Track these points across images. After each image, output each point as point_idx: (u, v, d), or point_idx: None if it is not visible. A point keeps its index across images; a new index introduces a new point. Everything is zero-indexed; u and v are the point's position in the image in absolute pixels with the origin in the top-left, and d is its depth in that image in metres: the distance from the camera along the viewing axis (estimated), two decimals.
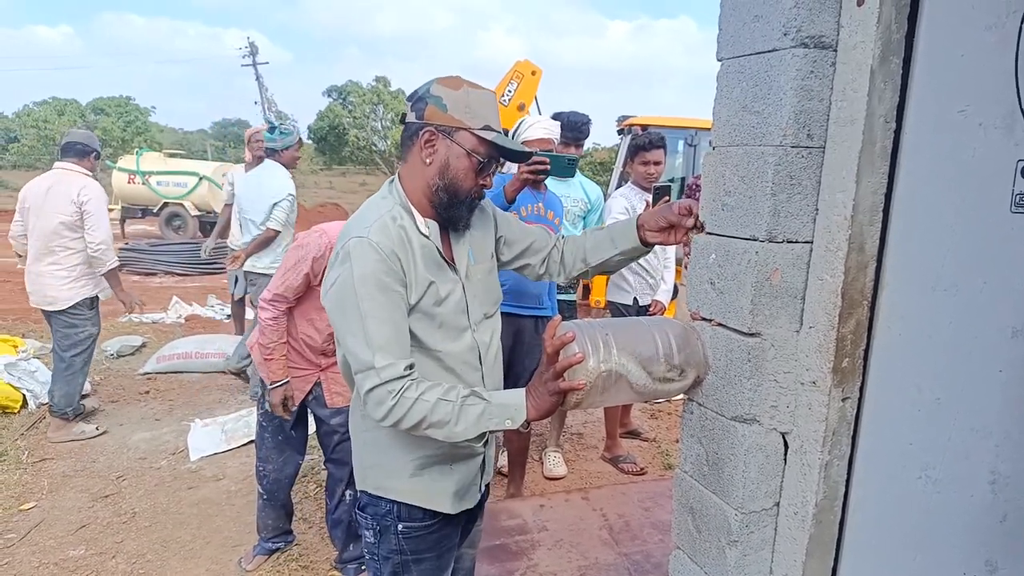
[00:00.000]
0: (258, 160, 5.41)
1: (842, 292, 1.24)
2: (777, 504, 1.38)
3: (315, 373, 2.66)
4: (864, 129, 1.20)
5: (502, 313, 1.77)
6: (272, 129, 4.50)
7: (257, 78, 33.38)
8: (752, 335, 1.31)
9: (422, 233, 1.48)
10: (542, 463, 3.86)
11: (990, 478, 1.40)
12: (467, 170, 1.48)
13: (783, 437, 1.36)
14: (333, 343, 2.60)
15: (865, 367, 1.30)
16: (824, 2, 1.22)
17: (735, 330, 1.34)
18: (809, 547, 1.32)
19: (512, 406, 1.37)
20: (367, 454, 1.58)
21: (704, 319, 1.44)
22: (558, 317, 1.40)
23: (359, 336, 1.36)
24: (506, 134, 4.49)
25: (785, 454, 1.36)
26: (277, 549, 2.89)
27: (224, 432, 4.00)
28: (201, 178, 15.39)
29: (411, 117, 1.49)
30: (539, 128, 3.07)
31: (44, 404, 4.49)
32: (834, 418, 1.28)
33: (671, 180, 7.97)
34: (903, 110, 1.23)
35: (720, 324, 1.39)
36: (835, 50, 1.24)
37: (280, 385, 2.55)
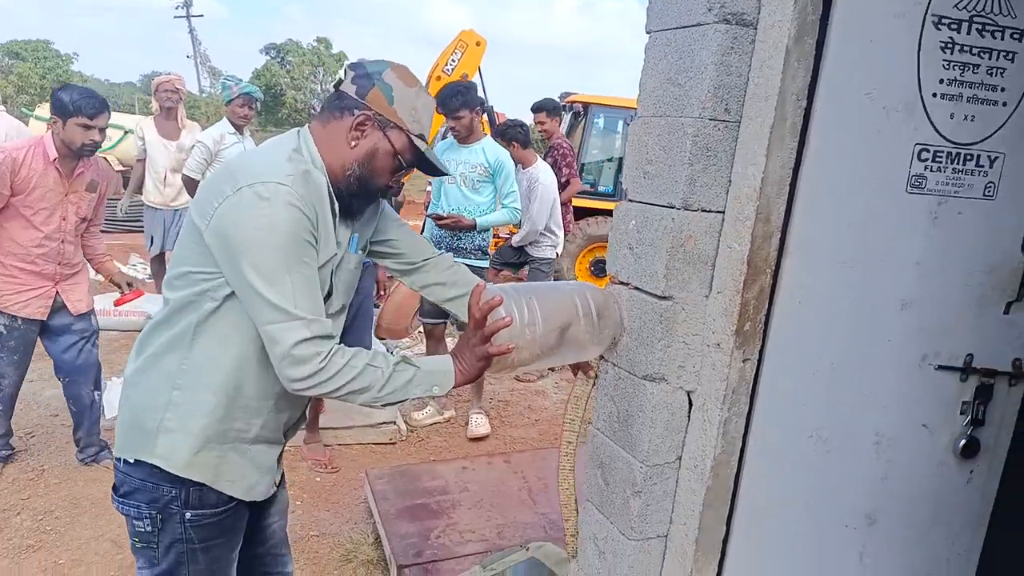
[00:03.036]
0: (166, 111, 5.19)
1: (748, 260, 1.32)
2: (679, 458, 1.46)
3: (52, 287, 2.93)
4: (777, 105, 1.27)
5: None
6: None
7: (191, 31, 31.95)
8: (665, 298, 1.38)
9: (332, 203, 1.39)
10: (466, 425, 3.92)
11: (874, 439, 1.51)
12: (387, 168, 1.42)
13: (688, 395, 1.44)
14: (57, 244, 2.89)
15: (766, 331, 1.38)
16: None
17: (650, 293, 1.41)
18: (707, 498, 1.41)
19: (440, 372, 1.36)
20: (168, 415, 1.36)
21: (621, 283, 1.49)
22: (483, 283, 1.41)
23: (283, 284, 1.25)
24: (519, 123, 4.41)
25: (689, 411, 1.44)
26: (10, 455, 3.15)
27: None
28: (127, 132, 14.66)
29: (350, 89, 1.38)
30: None
31: None
32: (735, 378, 1.36)
33: (609, 159, 8.08)
34: (814, 89, 1.30)
35: (636, 288, 1.45)
36: (755, 28, 1.30)
37: None
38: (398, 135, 1.39)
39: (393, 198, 3.04)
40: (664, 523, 1.48)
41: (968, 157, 1.40)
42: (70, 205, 2.91)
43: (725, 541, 1.46)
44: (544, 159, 5.48)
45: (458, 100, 3.57)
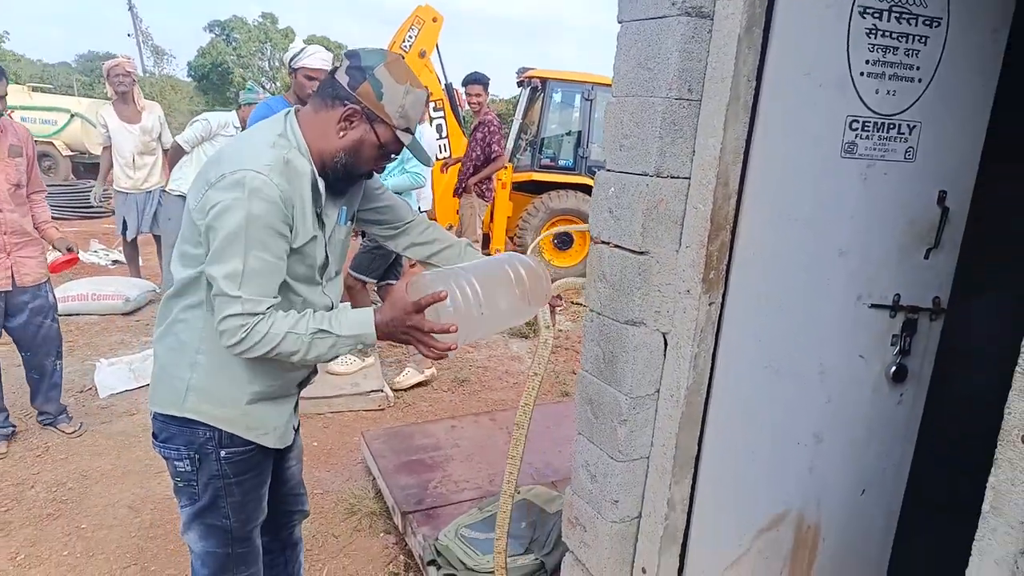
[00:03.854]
0: (122, 96, 5.21)
1: (711, 218, 1.55)
2: (658, 391, 1.71)
3: (5, 258, 3.02)
4: (731, 86, 1.49)
5: None
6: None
7: (130, 8, 30.80)
8: (642, 253, 1.61)
9: (316, 184, 1.48)
10: (449, 389, 4.14)
11: (819, 369, 1.78)
12: (372, 157, 1.52)
13: (664, 336, 1.68)
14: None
15: (727, 278, 1.62)
16: None
17: (628, 249, 1.64)
18: (681, 423, 1.66)
19: (361, 336, 1.44)
20: (195, 376, 1.53)
21: (603, 242, 1.72)
22: (422, 273, 1.50)
23: (235, 266, 1.37)
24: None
25: (665, 350, 1.68)
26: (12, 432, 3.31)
27: (132, 371, 4.00)
28: (73, 115, 14.28)
29: (343, 79, 1.46)
30: (318, 59, 3.40)
31: None
32: (702, 319, 1.61)
33: (568, 132, 8.26)
34: (762, 71, 1.53)
35: (616, 245, 1.68)
36: (712, 19, 1.52)
37: None
38: (384, 129, 1.48)
39: None
40: (646, 446, 1.73)
41: (891, 126, 1.66)
42: None
43: (697, 458, 1.72)
44: (473, 133, 5.78)
45: None
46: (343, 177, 1.54)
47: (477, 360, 4.79)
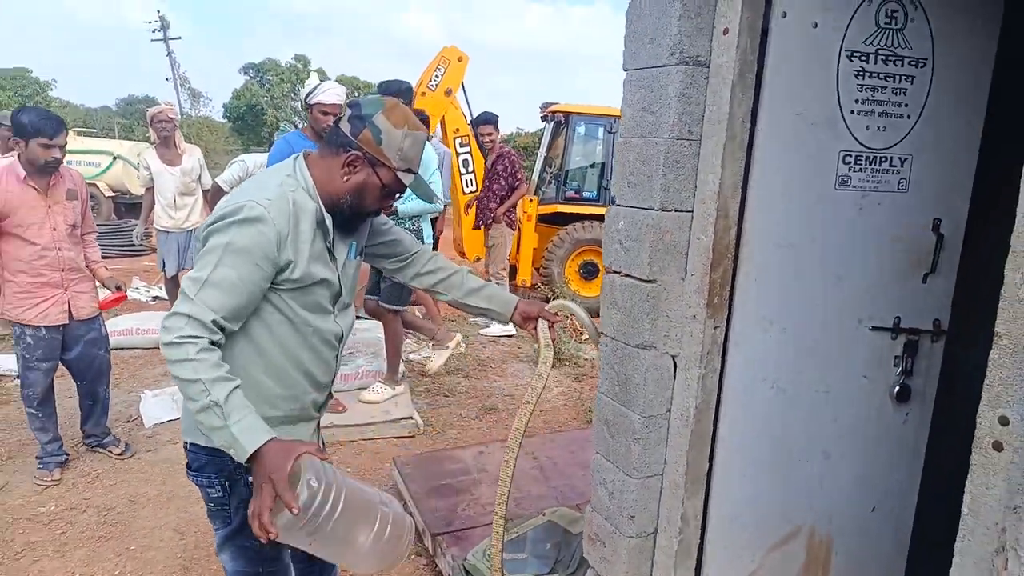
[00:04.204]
0: (164, 141, 5.49)
1: (713, 248, 1.68)
2: (669, 410, 1.82)
3: (63, 293, 3.24)
4: (727, 127, 1.63)
5: None
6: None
7: (169, 53, 32.03)
8: (650, 281, 1.74)
9: (323, 222, 1.57)
10: (476, 419, 4.26)
11: (824, 388, 1.87)
12: (376, 198, 1.62)
13: (673, 359, 1.79)
14: (55, 252, 3.21)
15: (731, 303, 1.74)
16: (700, 30, 1.64)
17: (637, 278, 1.76)
18: (691, 440, 1.76)
19: (237, 444, 1.38)
20: None
21: (615, 272, 1.85)
22: (318, 461, 1.41)
23: (201, 273, 1.44)
24: (424, 117, 4.89)
25: (674, 372, 1.80)
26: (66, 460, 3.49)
27: (175, 401, 4.19)
28: (115, 157, 14.89)
29: (345, 127, 1.57)
30: (332, 95, 3.67)
31: None
32: (708, 342, 1.72)
33: (592, 164, 8.43)
34: (757, 112, 1.67)
35: (627, 275, 1.81)
36: (708, 67, 1.66)
37: None
38: (385, 171, 1.58)
39: None
40: (659, 463, 1.83)
41: (883, 159, 1.77)
42: (56, 216, 3.20)
43: (709, 474, 1.81)
44: (493, 165, 6.41)
45: (405, 98, 4.00)
46: (350, 216, 1.64)
47: (504, 389, 4.90)
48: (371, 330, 5.09)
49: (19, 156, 3.12)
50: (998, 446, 1.07)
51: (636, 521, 1.84)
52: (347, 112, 1.60)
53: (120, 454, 3.59)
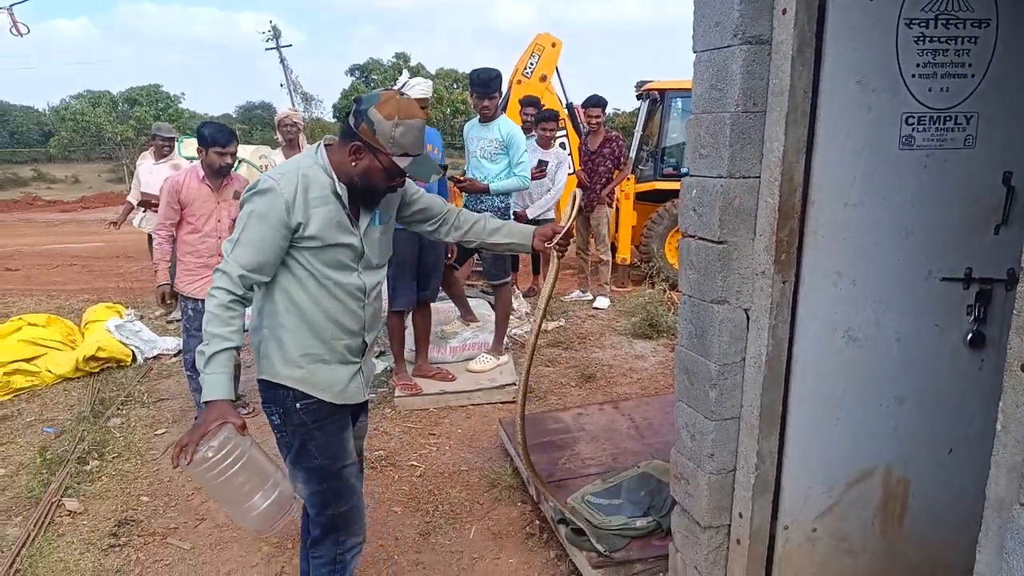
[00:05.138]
0: (289, 143, 6.03)
1: (779, 209, 1.84)
2: (743, 359, 2.00)
3: None
4: (789, 98, 1.79)
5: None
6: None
7: (281, 61, 34.07)
8: (721, 243, 1.93)
9: (337, 193, 1.87)
10: (564, 384, 4.52)
11: (896, 337, 1.99)
12: (382, 179, 1.88)
13: (745, 312, 1.97)
14: (215, 240, 3.81)
15: (799, 260, 1.90)
16: (760, 12, 1.81)
17: (709, 240, 1.96)
18: (764, 385, 1.94)
19: (205, 391, 1.74)
20: (263, 347, 1.94)
21: (689, 236, 2.05)
22: (239, 435, 1.73)
23: (235, 237, 1.83)
24: (532, 102, 5.33)
25: (747, 324, 1.98)
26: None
27: None
28: (240, 161, 16.10)
29: (351, 121, 1.85)
30: (418, 89, 3.95)
31: (150, 358, 5.27)
32: (777, 296, 1.89)
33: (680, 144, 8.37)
34: (818, 82, 1.81)
35: (700, 238, 2.00)
36: (770, 44, 1.83)
37: (160, 286, 3.88)
38: (384, 157, 1.85)
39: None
40: (736, 407, 2.03)
41: (947, 118, 1.87)
42: (222, 211, 3.89)
43: (784, 416, 1.99)
44: (599, 148, 6.63)
45: (495, 84, 4.39)
46: (364, 194, 1.92)
47: (602, 359, 5.13)
48: (476, 307, 5.45)
49: (201, 161, 3.82)
50: None
51: (715, 459, 2.05)
52: (354, 107, 1.87)
53: (247, 414, 4.12)
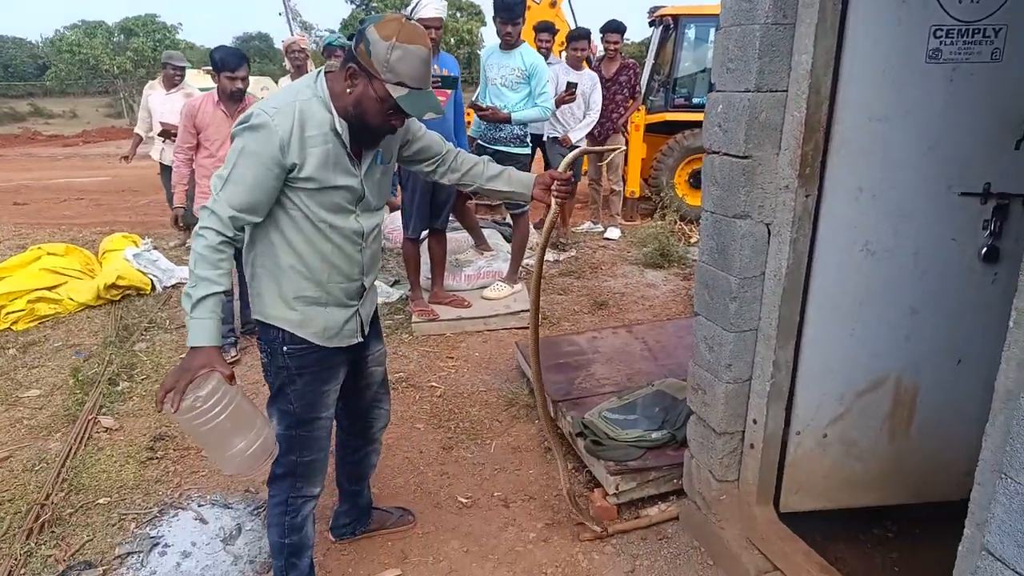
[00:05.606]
0: (297, 69, 5.96)
1: (805, 122, 1.87)
2: (763, 273, 2.06)
3: None
4: (819, 9, 1.79)
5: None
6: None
7: None
8: (745, 157, 1.96)
9: (336, 131, 1.71)
10: (576, 312, 4.60)
11: (913, 249, 2.04)
12: (377, 112, 1.69)
13: (767, 227, 2.02)
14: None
15: (823, 174, 1.94)
16: None
17: (734, 155, 1.99)
18: (783, 297, 2.01)
19: (190, 335, 1.66)
20: (255, 284, 1.86)
21: (714, 152, 2.08)
22: (222, 382, 1.64)
23: (224, 173, 1.68)
24: (547, 27, 5.18)
25: (768, 239, 2.03)
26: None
27: None
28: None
29: (352, 43, 1.69)
30: (431, 8, 3.85)
31: (168, 286, 5.37)
32: (799, 209, 1.93)
33: (703, 70, 8.20)
34: None
35: (725, 153, 2.03)
36: None
37: (176, 208, 4.17)
38: (379, 84, 1.65)
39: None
40: (754, 319, 2.10)
41: (975, 31, 1.87)
42: None
43: (800, 327, 2.06)
44: (616, 75, 6.45)
45: (519, 9, 4.29)
46: (359, 129, 1.74)
47: (614, 288, 5.21)
48: (489, 237, 5.49)
49: (217, 86, 3.84)
50: None
51: (733, 369, 2.13)
52: (358, 28, 1.72)
53: (233, 358, 4.14)
